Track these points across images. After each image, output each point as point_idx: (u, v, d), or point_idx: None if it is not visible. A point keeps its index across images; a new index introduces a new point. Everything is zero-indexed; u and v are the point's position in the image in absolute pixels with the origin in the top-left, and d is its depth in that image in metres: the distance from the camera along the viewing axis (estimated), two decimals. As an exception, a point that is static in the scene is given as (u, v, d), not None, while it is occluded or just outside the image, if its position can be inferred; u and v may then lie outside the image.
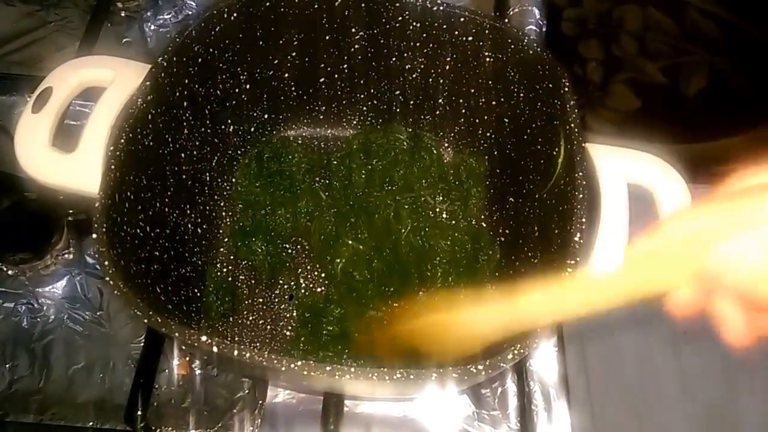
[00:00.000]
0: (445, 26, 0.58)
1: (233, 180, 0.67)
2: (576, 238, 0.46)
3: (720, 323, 0.33)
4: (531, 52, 0.55)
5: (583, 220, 0.47)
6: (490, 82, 0.60)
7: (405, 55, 0.61)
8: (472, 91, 0.62)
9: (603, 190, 0.50)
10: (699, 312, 0.33)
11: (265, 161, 0.67)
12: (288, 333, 0.60)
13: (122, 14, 0.79)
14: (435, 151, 0.68)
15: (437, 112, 0.67)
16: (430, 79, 0.63)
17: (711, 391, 0.60)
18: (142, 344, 0.59)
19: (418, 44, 0.60)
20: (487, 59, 0.58)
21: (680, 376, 0.61)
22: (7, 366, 0.59)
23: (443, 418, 0.58)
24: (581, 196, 0.47)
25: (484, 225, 0.65)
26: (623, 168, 0.52)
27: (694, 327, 0.62)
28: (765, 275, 0.30)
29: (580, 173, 0.48)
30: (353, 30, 0.60)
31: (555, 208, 0.51)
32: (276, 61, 0.63)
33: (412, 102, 0.66)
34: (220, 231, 0.65)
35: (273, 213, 0.64)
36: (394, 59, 0.62)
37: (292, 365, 0.41)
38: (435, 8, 0.57)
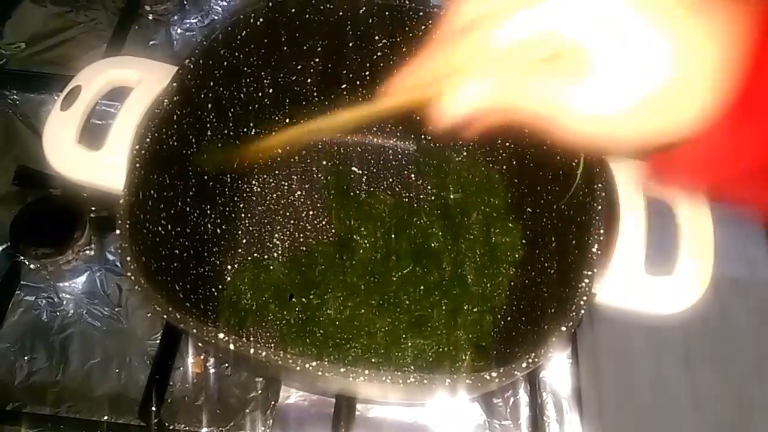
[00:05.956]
0: (467, 36, 0.58)
1: (253, 182, 0.67)
2: (593, 249, 0.46)
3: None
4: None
5: (601, 231, 0.47)
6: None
7: (427, 63, 0.62)
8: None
9: (621, 202, 0.50)
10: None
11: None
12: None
13: (149, 17, 0.80)
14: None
15: (457, 121, 0.67)
16: (451, 88, 0.63)
17: (724, 409, 0.59)
18: (158, 341, 0.60)
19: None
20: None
21: (693, 393, 0.60)
22: (26, 358, 0.60)
23: (454, 426, 0.58)
24: (600, 207, 0.48)
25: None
26: (642, 180, 0.51)
27: (708, 344, 0.62)
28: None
29: (599, 185, 0.48)
30: (377, 38, 0.61)
31: (573, 218, 0.51)
32: (299, 67, 0.64)
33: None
34: (239, 232, 0.65)
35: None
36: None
37: (307, 365, 0.41)
38: (458, 18, 0.57)
